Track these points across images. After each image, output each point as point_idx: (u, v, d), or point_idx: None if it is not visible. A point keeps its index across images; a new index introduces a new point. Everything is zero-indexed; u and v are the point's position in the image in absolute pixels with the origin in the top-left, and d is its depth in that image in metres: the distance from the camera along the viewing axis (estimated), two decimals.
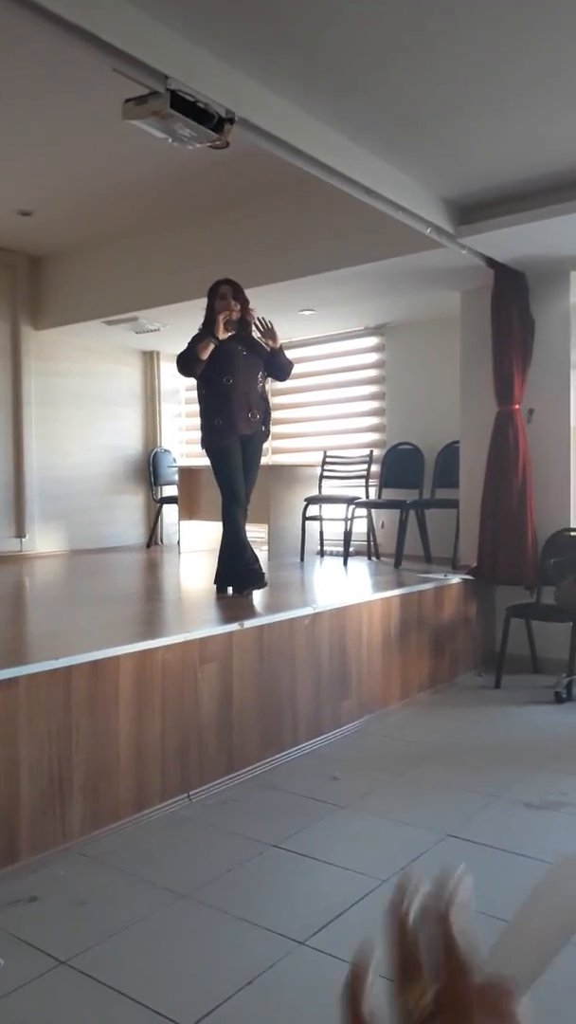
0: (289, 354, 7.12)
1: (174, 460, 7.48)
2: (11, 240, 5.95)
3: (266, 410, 4.30)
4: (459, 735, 3.87)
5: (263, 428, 4.28)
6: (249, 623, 3.38)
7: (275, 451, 7.37)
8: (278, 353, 4.26)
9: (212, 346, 4.01)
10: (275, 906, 2.27)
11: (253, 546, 4.32)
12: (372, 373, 6.64)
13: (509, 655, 4.70)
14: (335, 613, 3.85)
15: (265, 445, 7.43)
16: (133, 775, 2.83)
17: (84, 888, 2.36)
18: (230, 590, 4.21)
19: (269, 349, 4.20)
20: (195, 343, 4.07)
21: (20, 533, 6.30)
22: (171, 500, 7.07)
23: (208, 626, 3.29)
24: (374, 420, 6.62)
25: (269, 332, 4.21)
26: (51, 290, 6.38)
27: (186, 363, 4.10)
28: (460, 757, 3.52)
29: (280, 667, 3.51)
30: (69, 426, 6.72)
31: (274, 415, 7.43)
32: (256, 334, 4.23)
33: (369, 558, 6.05)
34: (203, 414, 4.18)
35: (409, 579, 4.81)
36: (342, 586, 4.89)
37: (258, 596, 4.09)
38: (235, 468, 4.16)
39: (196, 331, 4.17)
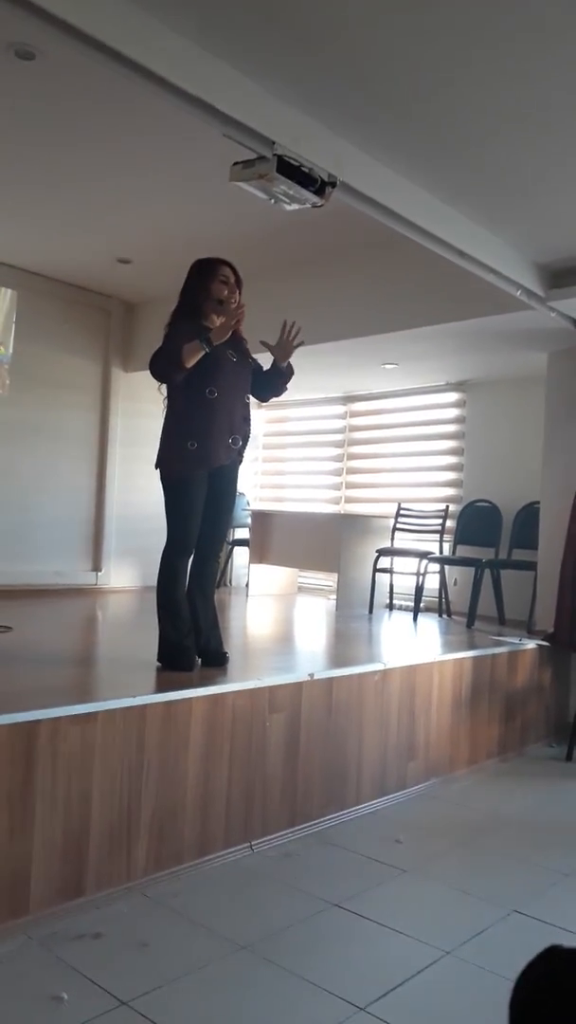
0: (369, 405, 7.30)
1: (248, 504, 7.58)
2: (108, 286, 6.23)
3: (247, 434, 3.38)
4: (528, 807, 3.74)
5: (240, 457, 3.39)
6: (319, 675, 3.38)
7: (348, 500, 7.40)
8: (286, 371, 3.39)
9: (203, 353, 3.08)
10: (335, 968, 2.22)
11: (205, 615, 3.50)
12: (452, 428, 6.63)
13: None
14: (405, 671, 3.81)
15: (338, 493, 7.58)
16: (198, 819, 2.84)
17: (146, 929, 2.36)
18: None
19: (285, 366, 3.35)
20: (178, 340, 3.10)
21: (97, 567, 6.46)
22: (242, 543, 7.15)
23: (278, 674, 3.30)
24: (451, 475, 6.59)
25: (287, 344, 3.35)
26: (142, 335, 6.62)
27: (164, 366, 3.13)
28: (529, 830, 3.40)
29: (347, 722, 3.48)
30: (149, 466, 6.86)
31: (349, 463, 7.56)
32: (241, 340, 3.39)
33: (440, 615, 5.97)
34: (171, 432, 3.36)
35: (482, 641, 4.73)
36: (412, 643, 4.84)
37: (327, 648, 4.04)
38: (193, 509, 3.31)
39: (171, 318, 3.31)
